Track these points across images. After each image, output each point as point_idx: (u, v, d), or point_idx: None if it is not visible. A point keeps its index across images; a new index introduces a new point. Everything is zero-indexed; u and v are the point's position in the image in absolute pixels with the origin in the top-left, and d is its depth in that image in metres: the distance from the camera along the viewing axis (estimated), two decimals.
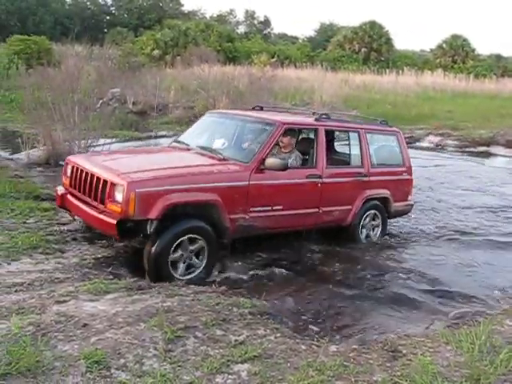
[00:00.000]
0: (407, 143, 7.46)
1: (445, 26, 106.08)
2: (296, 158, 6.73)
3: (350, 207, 6.96)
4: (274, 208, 6.10)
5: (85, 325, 3.61)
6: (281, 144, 6.67)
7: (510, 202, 10.23)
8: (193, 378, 3.14)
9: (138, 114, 18.40)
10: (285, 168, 5.94)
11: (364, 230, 7.24)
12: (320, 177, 6.53)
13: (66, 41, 24.46)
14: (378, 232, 7.42)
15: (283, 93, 20.26)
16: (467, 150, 17.26)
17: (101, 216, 5.17)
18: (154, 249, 5.12)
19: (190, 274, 5.39)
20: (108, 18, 61.93)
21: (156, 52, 37.37)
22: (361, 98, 24.28)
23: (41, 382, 2.90)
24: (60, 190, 6.21)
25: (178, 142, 7.09)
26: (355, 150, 7.23)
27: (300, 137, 7.62)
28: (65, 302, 4.01)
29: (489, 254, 7.22)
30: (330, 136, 7.59)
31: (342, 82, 27.35)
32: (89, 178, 5.51)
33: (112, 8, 63.30)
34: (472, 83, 33.11)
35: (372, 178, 7.18)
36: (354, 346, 3.95)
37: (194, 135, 7.17)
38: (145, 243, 5.30)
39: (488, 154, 17.13)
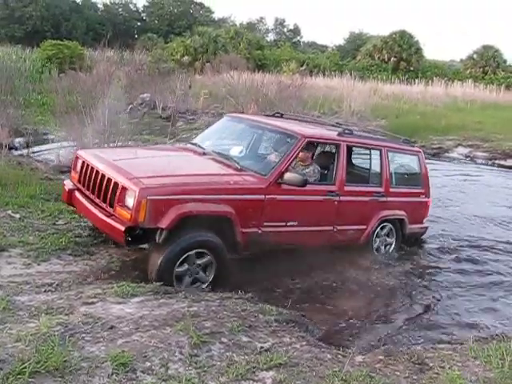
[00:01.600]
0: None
1: (475, 36, 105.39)
2: (314, 172, 6.46)
3: (364, 227, 6.75)
4: (288, 224, 5.88)
5: (112, 327, 3.62)
6: (300, 157, 6.38)
7: None
8: (218, 383, 3.14)
9: (167, 120, 18.49)
10: (304, 184, 5.65)
11: (376, 244, 7.00)
12: (338, 194, 6.30)
13: (98, 46, 24.77)
14: (391, 249, 7.18)
15: (312, 101, 20.19)
16: (497, 162, 17.00)
17: (109, 220, 4.97)
18: (159, 260, 4.90)
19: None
20: (139, 24, 62.69)
21: (186, 58, 37.74)
22: (390, 107, 24.11)
23: (68, 381, 2.92)
24: (68, 184, 6.02)
25: (194, 144, 6.81)
26: (375, 168, 7.01)
27: (319, 150, 7.34)
28: (92, 303, 4.03)
29: None
30: (351, 152, 7.39)
31: (371, 91, 27.18)
32: (99, 178, 5.27)
33: (143, 14, 64.10)
34: (503, 94, 32.72)
35: (390, 199, 6.95)
36: (381, 357, 3.91)
37: (210, 138, 6.94)
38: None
39: None
